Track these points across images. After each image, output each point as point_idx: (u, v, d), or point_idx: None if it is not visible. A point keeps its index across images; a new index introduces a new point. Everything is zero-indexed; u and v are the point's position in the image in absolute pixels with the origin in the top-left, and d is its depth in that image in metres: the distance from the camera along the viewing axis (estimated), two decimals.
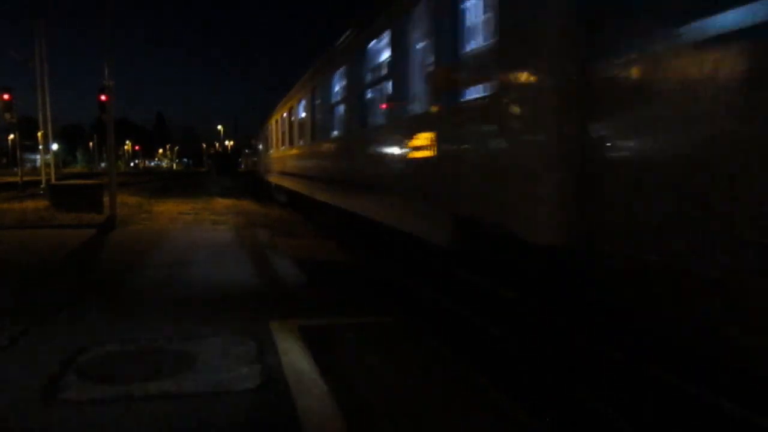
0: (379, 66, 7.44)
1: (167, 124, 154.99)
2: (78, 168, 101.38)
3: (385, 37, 6.71)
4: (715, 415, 2.60)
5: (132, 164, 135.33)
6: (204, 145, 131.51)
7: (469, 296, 5.14)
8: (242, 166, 59.47)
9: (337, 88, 9.83)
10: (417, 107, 5.55)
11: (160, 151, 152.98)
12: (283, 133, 17.06)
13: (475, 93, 4.51)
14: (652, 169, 2.67)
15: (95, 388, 3.30)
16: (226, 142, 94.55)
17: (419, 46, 5.54)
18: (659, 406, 2.98)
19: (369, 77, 7.69)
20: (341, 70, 9.17)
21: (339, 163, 9.28)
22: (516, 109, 3.72)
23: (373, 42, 7.17)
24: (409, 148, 5.69)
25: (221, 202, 17.91)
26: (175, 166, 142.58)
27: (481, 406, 3.24)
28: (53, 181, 19.52)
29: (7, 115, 21.03)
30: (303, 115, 13.55)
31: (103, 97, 12.13)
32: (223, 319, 4.80)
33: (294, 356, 3.90)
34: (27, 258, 7.59)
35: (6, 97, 20.56)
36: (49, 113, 22.78)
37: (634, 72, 2.80)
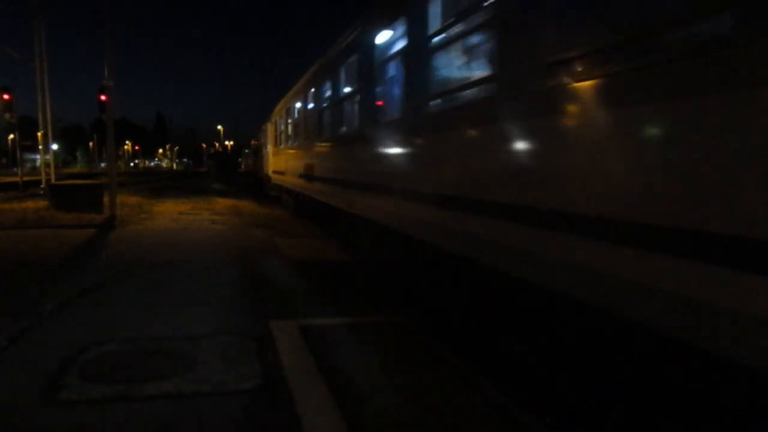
0: None
1: (167, 124, 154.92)
2: (78, 168, 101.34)
3: None
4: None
5: (132, 164, 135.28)
6: (204, 145, 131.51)
7: (470, 296, 5.13)
8: (242, 167, 59.49)
9: None
10: None
11: (160, 151, 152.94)
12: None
13: None
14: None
15: (95, 388, 3.30)
16: (226, 142, 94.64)
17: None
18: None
19: None
20: None
21: None
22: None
23: None
24: None
25: (221, 202, 17.90)
26: (175, 166, 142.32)
27: (482, 406, 3.24)
28: (53, 181, 19.50)
29: (7, 115, 21.01)
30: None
31: (103, 97, 12.12)
32: (224, 319, 4.80)
33: (294, 356, 3.90)
34: (27, 258, 7.59)
35: (6, 97, 20.54)
36: (49, 113, 22.76)
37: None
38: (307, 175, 11.79)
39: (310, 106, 11.90)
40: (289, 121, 15.88)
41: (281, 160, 17.68)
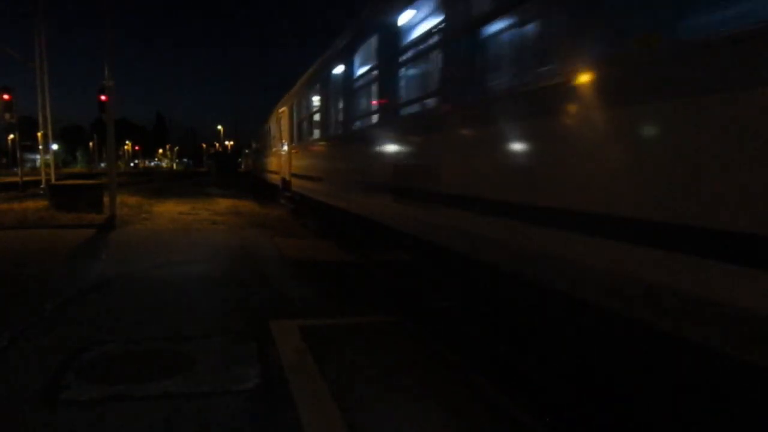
0: None
1: (167, 124, 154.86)
2: (78, 168, 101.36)
3: None
4: None
5: (132, 164, 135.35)
6: (204, 145, 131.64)
7: (470, 296, 5.13)
8: (242, 167, 59.52)
9: None
10: None
11: (160, 151, 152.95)
12: None
13: None
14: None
15: (95, 387, 3.30)
16: (226, 142, 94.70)
17: None
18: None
19: None
20: None
21: None
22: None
23: None
24: None
25: (221, 203, 17.90)
26: (175, 166, 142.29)
27: (481, 406, 3.24)
28: (53, 181, 19.50)
29: (7, 115, 21.01)
30: None
31: (103, 97, 12.12)
32: (224, 320, 4.80)
33: (294, 356, 3.91)
34: (27, 258, 7.60)
35: (6, 97, 20.55)
36: (49, 113, 22.78)
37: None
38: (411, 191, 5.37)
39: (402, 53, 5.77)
40: (329, 103, 9.66)
41: (311, 160, 11.57)
